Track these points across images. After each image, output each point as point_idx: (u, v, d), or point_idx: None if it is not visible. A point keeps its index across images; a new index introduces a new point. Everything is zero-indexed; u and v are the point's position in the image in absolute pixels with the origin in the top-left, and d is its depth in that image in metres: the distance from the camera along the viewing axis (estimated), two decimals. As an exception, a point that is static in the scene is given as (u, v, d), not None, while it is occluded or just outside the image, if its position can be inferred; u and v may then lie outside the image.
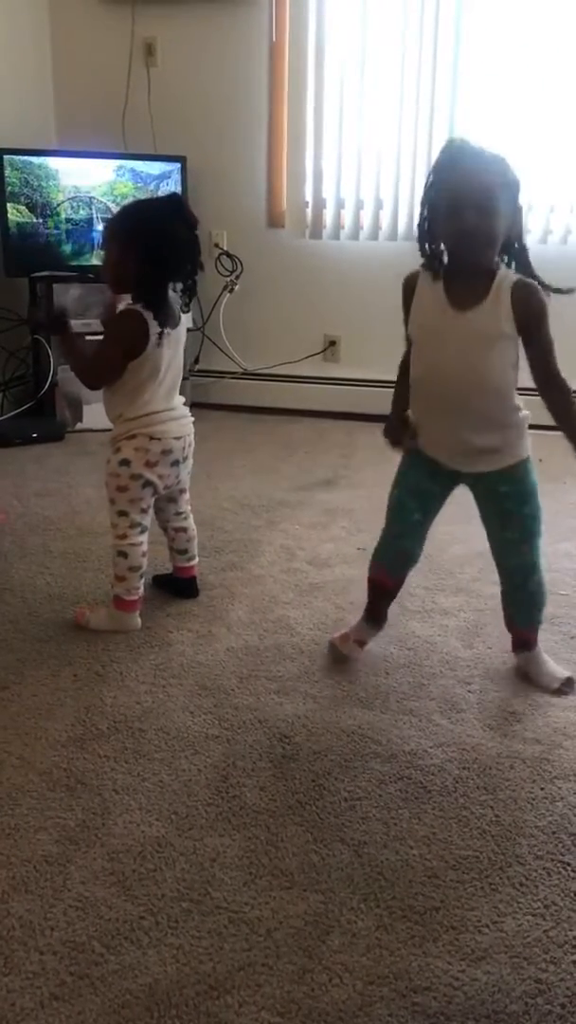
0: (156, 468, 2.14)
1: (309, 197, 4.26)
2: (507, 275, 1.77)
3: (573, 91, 3.83)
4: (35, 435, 3.89)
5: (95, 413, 4.06)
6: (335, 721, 1.85)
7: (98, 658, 2.08)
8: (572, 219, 3.99)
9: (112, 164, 4.06)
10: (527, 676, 2.01)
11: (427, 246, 1.78)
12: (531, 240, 4.01)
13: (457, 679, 2.02)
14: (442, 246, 1.77)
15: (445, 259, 1.78)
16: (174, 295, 2.14)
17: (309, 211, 4.28)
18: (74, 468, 3.53)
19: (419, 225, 1.79)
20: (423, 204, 1.77)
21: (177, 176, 4.11)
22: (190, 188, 4.12)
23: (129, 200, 2.42)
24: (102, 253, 2.19)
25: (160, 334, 2.06)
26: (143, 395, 2.12)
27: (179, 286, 2.15)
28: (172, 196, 2.22)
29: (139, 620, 2.21)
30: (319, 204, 4.25)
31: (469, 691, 1.97)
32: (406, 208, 4.11)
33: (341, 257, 4.25)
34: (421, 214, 1.78)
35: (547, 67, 3.82)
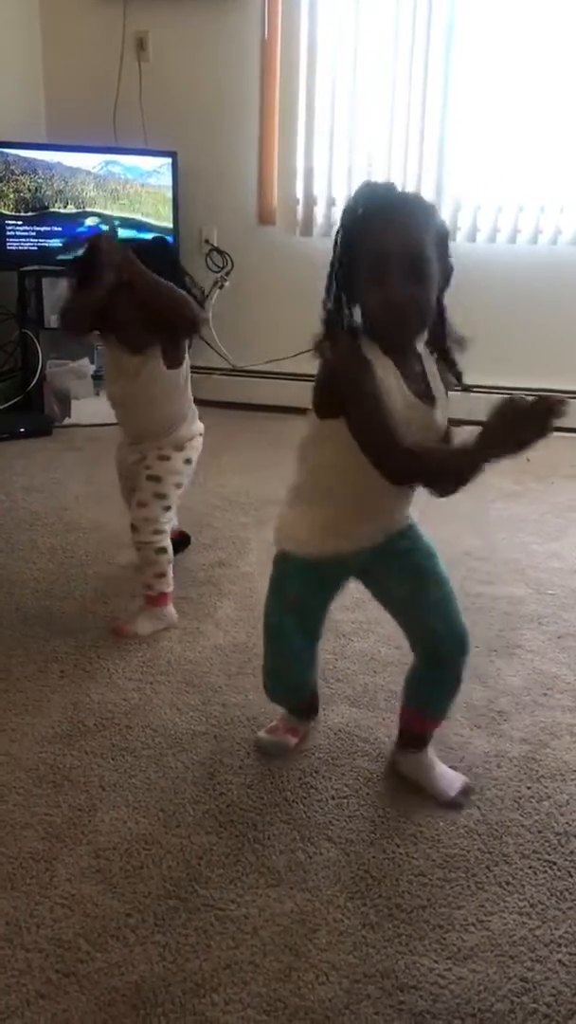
0: (193, 463, 2.29)
1: (300, 194, 4.26)
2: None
3: (564, 90, 3.83)
4: (23, 430, 3.87)
5: (84, 408, 4.05)
6: (323, 719, 1.85)
7: (85, 654, 2.07)
8: (562, 219, 4.00)
9: (102, 158, 4.04)
10: (416, 782, 1.64)
11: (339, 310, 1.38)
12: (522, 240, 4.07)
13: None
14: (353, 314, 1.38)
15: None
16: None
17: (300, 208, 4.27)
18: (62, 463, 3.51)
19: (328, 287, 1.39)
20: (334, 264, 1.38)
21: (168, 171, 4.09)
22: (181, 184, 4.11)
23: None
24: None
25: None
26: (189, 394, 2.27)
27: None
28: (158, 240, 2.39)
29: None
30: (310, 201, 4.24)
31: (456, 690, 1.97)
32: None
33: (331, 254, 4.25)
34: (332, 275, 1.38)
35: (539, 66, 3.83)
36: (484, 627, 2.26)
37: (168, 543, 2.20)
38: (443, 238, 1.38)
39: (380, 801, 1.61)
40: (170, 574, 2.21)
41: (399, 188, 1.39)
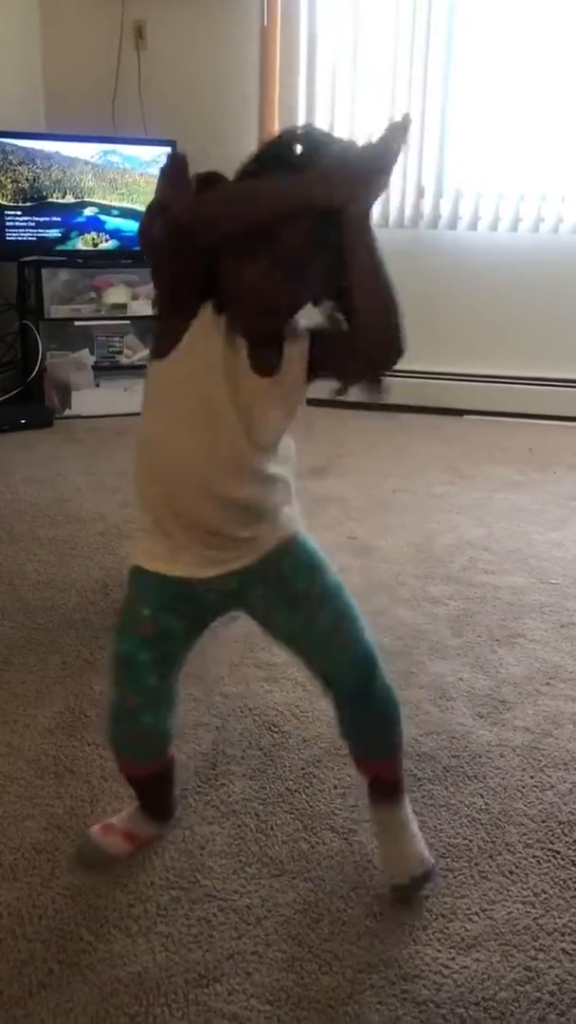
0: None
1: (300, 183, 4.23)
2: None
3: (566, 78, 3.81)
4: (23, 421, 3.86)
5: (84, 399, 4.04)
6: (325, 709, 1.83)
7: (87, 645, 2.06)
8: (564, 208, 3.98)
9: (100, 148, 4.02)
10: (379, 846, 1.41)
11: None
12: (523, 229, 4.04)
13: (447, 667, 2.01)
14: None
15: None
16: None
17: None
18: (62, 455, 3.51)
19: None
20: None
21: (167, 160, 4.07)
22: (180, 173, 4.09)
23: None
24: None
25: None
26: None
27: None
28: None
29: None
30: (310, 190, 4.22)
31: (459, 679, 1.96)
32: (397, 194, 4.09)
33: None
34: None
35: (540, 53, 3.81)
36: (486, 616, 2.25)
37: None
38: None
39: (383, 791, 1.60)
40: None
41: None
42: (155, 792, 1.45)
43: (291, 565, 1.27)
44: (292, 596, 1.27)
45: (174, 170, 1.99)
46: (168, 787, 1.48)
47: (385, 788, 1.39)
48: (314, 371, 1.19)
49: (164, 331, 1.16)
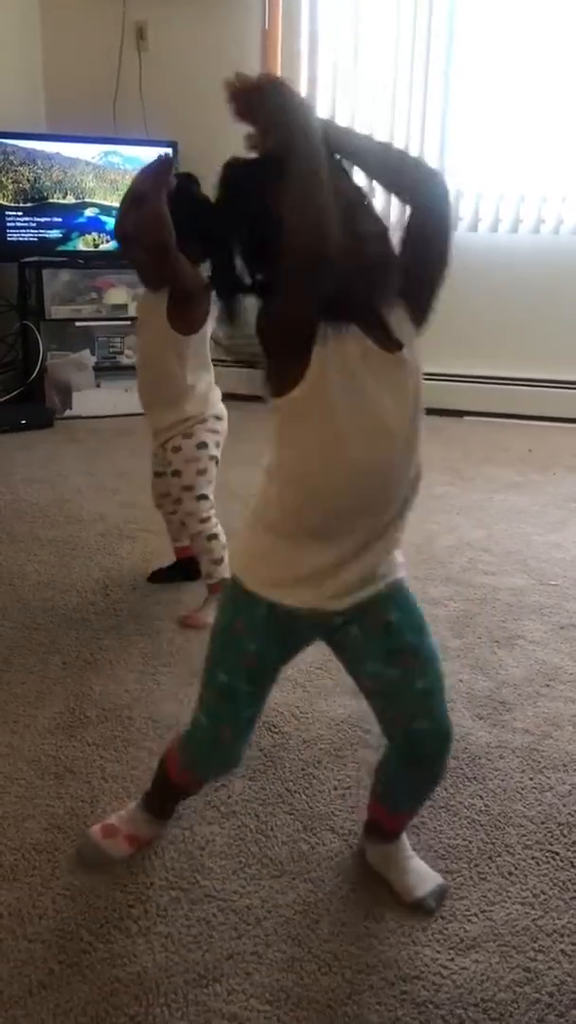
0: (220, 447, 2.21)
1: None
2: None
3: (567, 79, 3.81)
4: (23, 422, 3.87)
5: (85, 400, 4.05)
6: (325, 710, 1.84)
7: (87, 646, 2.07)
8: (564, 209, 3.98)
9: (102, 148, 4.02)
10: (382, 876, 1.40)
11: None
12: (524, 230, 4.05)
13: (447, 669, 2.01)
14: None
15: None
16: None
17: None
18: (63, 455, 3.51)
19: None
20: None
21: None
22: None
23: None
24: None
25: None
26: (207, 376, 2.18)
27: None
28: (186, 175, 2.16)
29: None
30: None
31: (459, 680, 1.97)
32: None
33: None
34: None
35: (541, 55, 3.81)
36: (486, 618, 2.26)
37: (219, 529, 2.16)
38: None
39: (382, 792, 1.60)
40: (227, 560, 2.16)
41: None
42: (178, 800, 1.48)
43: (400, 616, 1.23)
44: (394, 648, 1.23)
45: (160, 167, 2.01)
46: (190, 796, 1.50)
47: (390, 833, 1.41)
48: (419, 311, 1.17)
49: (281, 372, 1.11)
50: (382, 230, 1.11)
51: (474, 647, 2.12)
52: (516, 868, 1.44)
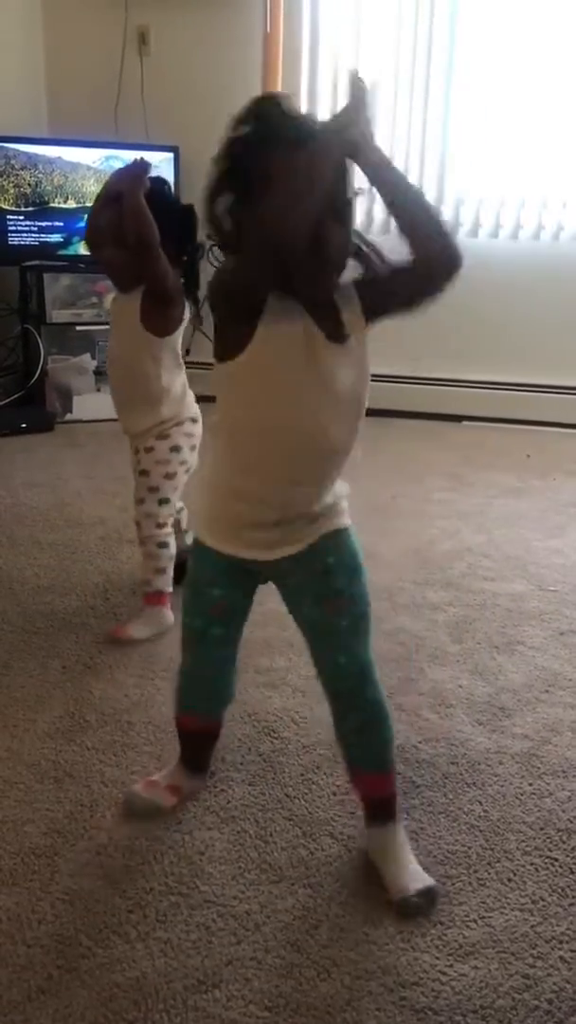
0: (195, 450, 2.18)
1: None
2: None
3: (567, 85, 3.82)
4: (24, 425, 3.87)
5: (85, 404, 4.05)
6: (324, 716, 1.83)
7: (87, 650, 2.07)
8: (565, 215, 3.99)
9: (104, 153, 4.03)
10: (376, 867, 1.42)
11: None
12: (524, 236, 4.05)
13: (446, 674, 2.02)
14: None
15: None
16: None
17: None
18: (64, 459, 3.51)
19: None
20: None
21: (170, 166, 4.08)
22: (183, 178, 4.10)
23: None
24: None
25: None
26: (181, 377, 2.15)
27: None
28: (159, 180, 2.17)
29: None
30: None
31: (459, 686, 1.97)
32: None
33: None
34: None
35: (542, 61, 3.82)
36: (486, 623, 2.26)
37: (171, 540, 2.16)
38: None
39: (382, 797, 1.60)
40: (170, 572, 2.16)
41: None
42: (201, 748, 1.60)
43: (336, 560, 1.34)
44: (325, 591, 1.35)
45: (136, 168, 2.02)
46: (212, 745, 1.62)
47: (380, 805, 1.44)
48: (374, 315, 1.27)
49: (226, 336, 1.24)
50: (345, 240, 1.22)
51: (473, 652, 2.12)
52: (515, 874, 1.44)
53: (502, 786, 1.64)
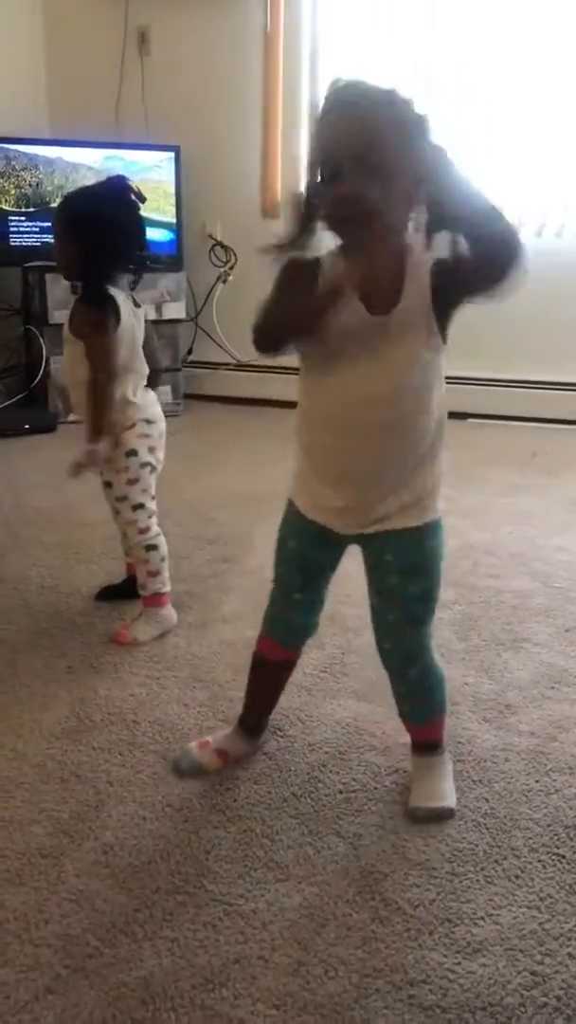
0: (156, 451, 2.14)
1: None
2: (420, 254, 1.30)
3: (568, 81, 3.82)
4: (27, 426, 3.87)
5: (88, 404, 4.04)
6: (329, 713, 1.84)
7: (92, 650, 2.07)
8: (568, 211, 3.98)
9: (104, 153, 4.03)
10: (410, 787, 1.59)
11: (306, 221, 1.34)
12: (528, 233, 4.04)
13: (452, 672, 2.01)
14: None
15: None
16: (117, 291, 2.06)
17: (303, 202, 4.26)
18: (67, 460, 3.50)
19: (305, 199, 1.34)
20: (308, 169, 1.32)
21: (170, 165, 4.08)
22: (183, 178, 4.10)
23: (73, 188, 2.38)
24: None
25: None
26: (131, 382, 2.09)
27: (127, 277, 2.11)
28: (113, 179, 2.13)
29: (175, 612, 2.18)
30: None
31: (464, 683, 1.96)
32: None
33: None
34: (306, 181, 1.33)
35: (545, 54, 3.82)
36: (491, 621, 2.25)
37: (159, 540, 2.13)
38: (410, 127, 1.25)
39: (388, 795, 1.60)
40: (165, 573, 2.15)
41: (372, 83, 1.28)
42: (271, 681, 1.67)
43: (393, 559, 1.43)
44: (380, 584, 1.46)
45: (117, 183, 2.06)
46: (281, 682, 1.68)
47: (421, 745, 1.61)
48: (445, 302, 1.30)
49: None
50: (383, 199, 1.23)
51: (479, 650, 2.11)
52: (523, 871, 1.43)
53: (509, 783, 1.64)
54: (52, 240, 2.13)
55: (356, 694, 1.91)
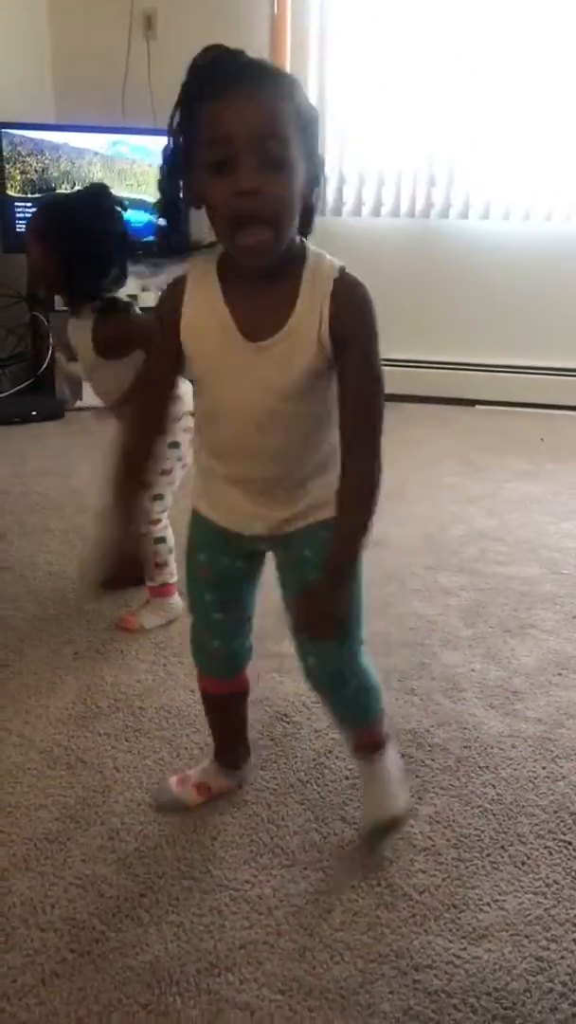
0: (190, 447, 2.13)
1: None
2: (321, 261, 1.14)
3: (558, 71, 3.79)
4: (34, 413, 3.87)
5: (95, 391, 4.03)
6: (336, 700, 1.84)
7: (98, 636, 2.07)
8: (555, 198, 3.95)
9: (109, 138, 4.01)
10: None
11: (173, 214, 1.14)
12: (535, 217, 4.01)
13: (459, 658, 2.01)
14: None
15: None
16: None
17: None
18: (74, 447, 3.51)
19: (159, 184, 1.13)
20: (166, 152, 1.11)
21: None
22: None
23: (49, 195, 2.32)
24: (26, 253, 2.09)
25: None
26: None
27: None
28: (94, 188, 2.09)
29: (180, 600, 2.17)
30: (322, 180, 4.20)
31: (471, 670, 1.96)
32: (409, 184, 4.07)
33: (342, 233, 4.21)
34: (163, 167, 1.12)
35: (541, 43, 3.78)
36: (498, 607, 2.25)
37: (167, 533, 2.12)
38: (308, 120, 1.07)
39: (394, 781, 1.60)
40: (172, 564, 2.14)
41: (249, 55, 1.08)
42: (227, 716, 1.52)
43: (311, 555, 1.26)
44: (301, 584, 1.27)
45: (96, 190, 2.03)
46: (238, 715, 1.53)
47: (363, 747, 1.45)
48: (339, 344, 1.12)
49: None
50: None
51: (486, 636, 2.11)
52: (528, 857, 1.43)
53: (515, 769, 1.64)
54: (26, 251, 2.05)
55: (362, 680, 1.91)
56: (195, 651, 1.44)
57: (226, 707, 1.51)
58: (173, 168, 1.10)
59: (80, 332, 2.04)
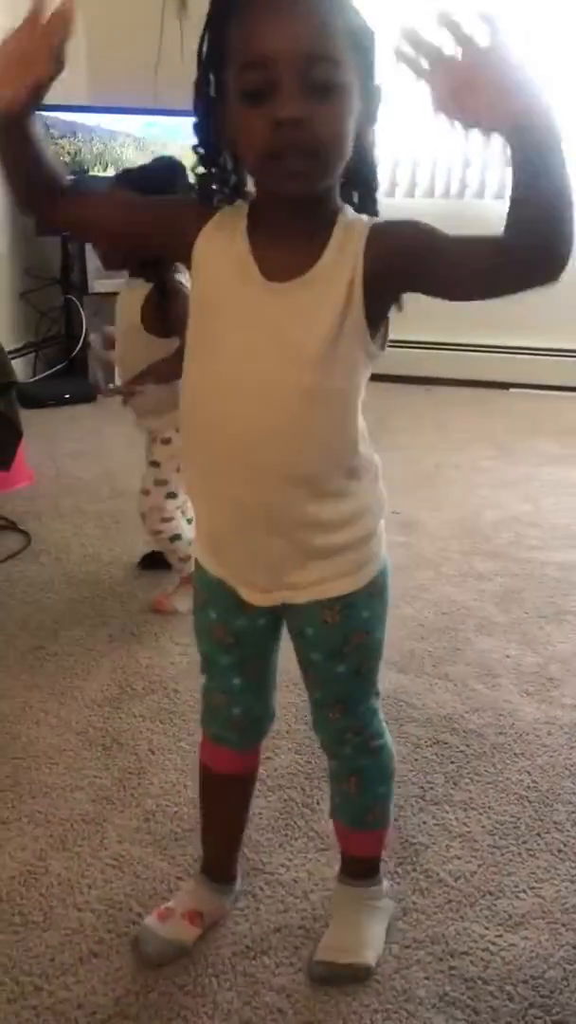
0: None
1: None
2: (357, 216, 0.98)
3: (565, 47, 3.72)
4: (67, 396, 3.88)
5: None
6: (370, 685, 1.83)
7: (133, 618, 2.08)
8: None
9: (144, 120, 4.00)
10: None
11: (211, 158, 0.97)
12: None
13: (493, 644, 1.99)
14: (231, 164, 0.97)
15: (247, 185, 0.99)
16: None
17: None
18: (107, 430, 3.51)
19: (195, 123, 0.97)
20: (199, 82, 0.94)
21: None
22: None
23: (128, 166, 2.32)
24: None
25: None
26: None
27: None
28: (168, 160, 2.09)
29: None
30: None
31: (506, 656, 1.95)
32: (444, 165, 4.02)
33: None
34: (197, 98, 0.95)
35: (544, 27, 3.72)
36: (533, 593, 2.23)
37: (182, 528, 2.09)
38: (364, 37, 0.91)
39: (429, 767, 1.59)
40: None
41: None
42: (231, 805, 1.27)
43: (313, 633, 1.09)
44: (303, 658, 1.14)
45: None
46: (241, 804, 1.28)
47: (353, 864, 1.25)
48: (391, 280, 0.94)
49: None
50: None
51: (521, 622, 2.09)
52: (565, 845, 1.42)
53: (551, 756, 1.63)
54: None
55: (396, 666, 1.90)
56: (207, 718, 1.22)
57: (232, 792, 1.26)
58: (207, 105, 0.94)
59: (132, 294, 2.06)
